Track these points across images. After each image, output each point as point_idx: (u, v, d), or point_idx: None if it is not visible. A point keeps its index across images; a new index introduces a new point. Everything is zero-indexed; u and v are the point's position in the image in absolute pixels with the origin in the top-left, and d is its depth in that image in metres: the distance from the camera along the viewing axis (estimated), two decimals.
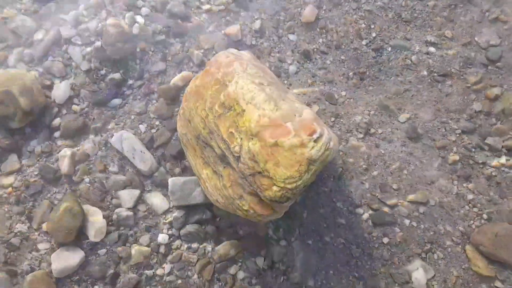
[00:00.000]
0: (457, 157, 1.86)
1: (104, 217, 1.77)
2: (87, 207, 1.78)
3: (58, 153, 1.85)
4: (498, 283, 1.70)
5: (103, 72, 1.96)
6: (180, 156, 1.86)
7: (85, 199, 1.81)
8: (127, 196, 1.82)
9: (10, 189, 1.81)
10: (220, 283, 1.74)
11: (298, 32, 2.05)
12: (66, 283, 1.71)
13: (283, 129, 1.35)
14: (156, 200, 1.82)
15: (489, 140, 1.86)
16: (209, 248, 1.78)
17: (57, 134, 1.89)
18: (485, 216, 1.78)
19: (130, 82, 1.97)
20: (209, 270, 1.75)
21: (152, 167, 1.85)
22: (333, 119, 1.93)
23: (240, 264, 1.76)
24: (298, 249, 1.76)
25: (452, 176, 1.84)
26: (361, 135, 1.90)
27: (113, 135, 1.87)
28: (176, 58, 2.00)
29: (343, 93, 1.97)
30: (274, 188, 1.34)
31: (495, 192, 1.81)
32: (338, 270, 1.76)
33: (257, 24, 2.04)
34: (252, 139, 1.38)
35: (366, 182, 1.84)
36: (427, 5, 2.07)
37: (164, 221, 1.80)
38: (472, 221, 1.78)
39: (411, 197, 1.82)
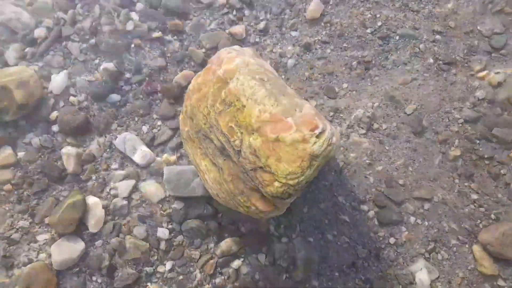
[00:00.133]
0: (458, 152, 1.82)
1: (103, 207, 1.78)
2: (89, 197, 1.80)
3: (60, 149, 1.84)
4: (500, 281, 1.67)
5: (97, 61, 1.96)
6: (177, 146, 1.86)
7: (89, 192, 1.82)
8: (124, 186, 1.82)
9: (9, 186, 1.80)
10: (223, 277, 1.72)
11: (301, 28, 2.02)
12: (67, 275, 1.71)
13: (284, 124, 1.33)
14: (150, 188, 1.82)
15: (497, 132, 1.81)
16: (211, 244, 1.76)
17: (55, 128, 1.88)
18: (493, 216, 1.74)
19: (128, 75, 1.95)
20: (211, 265, 1.73)
21: (150, 160, 1.85)
22: (331, 113, 1.89)
23: (242, 259, 1.75)
24: (299, 246, 1.74)
25: (452, 174, 1.81)
26: (363, 131, 1.87)
27: (116, 137, 1.88)
28: (175, 55, 1.97)
29: (345, 85, 1.93)
30: (276, 184, 1.32)
31: (503, 193, 1.77)
32: (344, 271, 1.73)
33: (262, 25, 2.01)
34: (253, 134, 1.36)
35: (371, 177, 1.81)
36: None
37: (162, 212, 1.78)
38: (479, 220, 1.75)
39: (416, 193, 1.79)
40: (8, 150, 1.83)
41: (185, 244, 1.76)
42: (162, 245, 1.75)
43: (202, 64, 1.96)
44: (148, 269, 1.73)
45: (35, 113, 1.88)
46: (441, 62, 1.93)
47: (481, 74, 1.91)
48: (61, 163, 1.84)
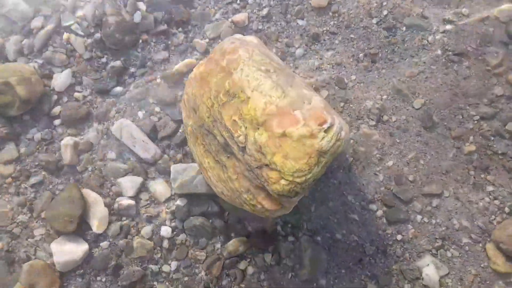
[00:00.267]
0: (473, 147, 1.75)
1: (105, 205, 1.73)
2: (87, 192, 1.75)
3: (60, 141, 1.81)
4: None
5: (104, 60, 1.92)
6: (182, 143, 1.82)
7: (85, 185, 1.78)
8: (128, 183, 1.77)
9: (10, 179, 1.79)
10: (229, 278, 1.69)
11: (308, 17, 1.95)
12: (71, 276, 1.68)
13: (292, 118, 1.28)
14: (159, 187, 1.77)
15: (510, 126, 1.74)
16: (218, 245, 1.72)
17: (57, 122, 1.85)
18: (507, 209, 1.68)
19: (132, 70, 1.91)
20: (218, 267, 1.69)
21: (156, 156, 1.80)
22: (342, 104, 1.83)
23: (249, 260, 1.71)
24: (306, 245, 1.69)
25: (468, 166, 1.74)
26: (373, 122, 1.80)
27: (113, 123, 1.83)
28: (179, 48, 1.93)
29: (353, 77, 1.86)
30: (282, 181, 1.27)
31: None
32: (350, 268, 1.69)
33: (264, 11, 1.95)
34: (258, 129, 1.31)
35: (380, 174, 1.76)
36: None
37: (167, 210, 1.75)
38: (493, 216, 1.68)
39: (426, 189, 1.73)
40: (11, 146, 1.82)
41: (189, 244, 1.72)
42: (165, 243, 1.72)
43: (205, 53, 1.91)
44: (154, 267, 1.70)
45: (38, 108, 1.85)
46: (450, 53, 1.84)
47: (498, 70, 1.80)
48: (59, 154, 1.81)
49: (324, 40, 1.91)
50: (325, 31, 1.92)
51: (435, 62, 1.84)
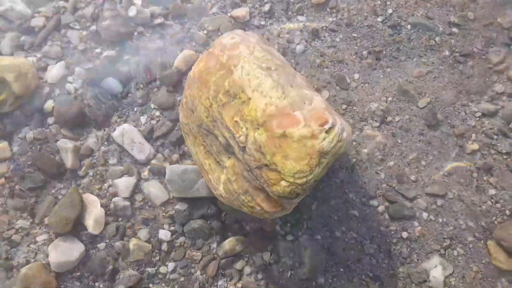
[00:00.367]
0: (476, 146, 1.73)
1: (102, 205, 1.70)
2: (86, 196, 1.72)
3: (56, 142, 1.77)
4: None
5: (98, 50, 1.89)
6: (179, 142, 1.78)
7: (86, 189, 1.75)
8: (124, 184, 1.73)
9: (3, 179, 1.75)
10: (225, 279, 1.66)
11: (308, 13, 1.92)
12: (68, 279, 1.65)
13: (292, 118, 1.24)
14: (154, 190, 1.73)
15: None
16: (214, 245, 1.69)
17: (50, 119, 1.82)
18: (507, 212, 1.66)
19: (126, 57, 1.88)
20: (213, 266, 1.66)
21: (150, 155, 1.76)
22: (344, 106, 1.80)
23: (246, 259, 1.68)
24: (306, 244, 1.66)
25: (470, 168, 1.72)
26: (377, 124, 1.77)
27: (115, 129, 1.79)
28: (176, 37, 1.89)
29: (356, 76, 1.83)
30: (283, 183, 1.24)
31: None
32: (349, 267, 1.66)
33: (266, 7, 1.91)
34: (259, 129, 1.27)
35: (382, 173, 1.73)
36: None
37: (164, 214, 1.71)
38: (494, 217, 1.67)
39: (429, 189, 1.70)
40: (3, 144, 1.78)
41: (187, 245, 1.69)
42: (164, 246, 1.69)
43: (204, 45, 1.88)
44: (150, 270, 1.67)
45: (29, 103, 1.81)
46: (457, 54, 1.84)
47: (499, 67, 1.82)
48: (59, 157, 1.77)
49: (324, 37, 1.88)
50: (324, 28, 1.89)
51: (443, 63, 1.83)
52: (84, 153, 1.77)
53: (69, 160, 1.74)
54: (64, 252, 1.63)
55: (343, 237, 1.67)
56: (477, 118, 1.76)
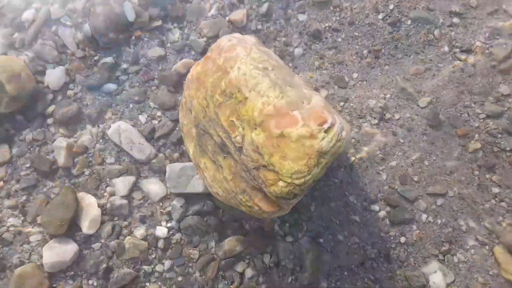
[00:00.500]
0: (478, 145, 1.69)
1: (99, 205, 1.69)
2: (82, 196, 1.71)
3: (53, 142, 1.76)
4: None
5: (96, 58, 1.86)
6: (179, 142, 1.77)
7: (82, 188, 1.73)
8: (122, 183, 1.72)
9: (1, 183, 1.74)
10: (226, 281, 1.63)
11: (310, 11, 1.88)
12: (61, 278, 1.64)
13: (290, 118, 1.22)
14: (153, 186, 1.72)
15: None
16: (212, 243, 1.67)
17: (50, 120, 1.80)
18: None
19: (125, 66, 1.85)
20: (213, 267, 1.64)
21: (151, 155, 1.75)
22: (342, 103, 1.77)
23: (247, 261, 1.65)
24: (308, 247, 1.64)
25: (472, 165, 1.68)
26: (376, 121, 1.74)
27: (110, 126, 1.77)
28: (175, 45, 1.86)
29: (355, 75, 1.80)
30: (280, 183, 1.22)
31: None
32: (353, 271, 1.63)
33: (264, 7, 1.88)
34: (256, 129, 1.26)
35: (383, 173, 1.70)
36: None
37: (162, 210, 1.70)
38: (501, 217, 1.61)
39: (430, 189, 1.67)
40: (4, 148, 1.77)
41: (183, 242, 1.68)
42: (160, 244, 1.67)
43: (203, 53, 1.85)
44: (147, 267, 1.65)
45: (32, 108, 1.80)
46: (457, 50, 1.78)
47: (505, 64, 1.72)
48: (53, 156, 1.76)
49: (326, 38, 1.85)
50: (327, 28, 1.86)
51: (442, 60, 1.78)
52: (78, 151, 1.76)
53: (61, 158, 1.73)
54: (58, 253, 1.62)
55: (346, 241, 1.65)
56: (481, 120, 1.71)
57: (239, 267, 1.64)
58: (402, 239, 1.64)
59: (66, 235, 1.66)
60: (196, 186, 1.66)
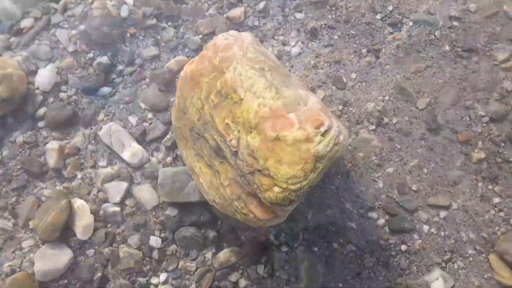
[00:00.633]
0: (482, 155, 1.65)
1: (91, 212, 1.65)
2: (74, 200, 1.67)
3: (45, 145, 1.73)
4: None
5: (90, 55, 1.83)
6: (173, 146, 1.73)
7: (75, 194, 1.69)
8: (114, 189, 1.68)
9: None
10: None
11: (306, 10, 1.86)
12: (53, 287, 1.59)
13: (286, 120, 1.19)
14: (145, 194, 1.68)
15: None
16: (209, 256, 1.63)
17: (41, 123, 1.77)
18: None
19: (120, 68, 1.83)
20: (208, 278, 1.60)
21: (143, 160, 1.71)
22: (341, 107, 1.74)
23: (241, 271, 1.61)
24: (303, 257, 1.59)
25: (476, 177, 1.64)
26: (373, 126, 1.71)
27: (101, 127, 1.74)
28: (170, 44, 1.84)
29: (353, 75, 1.77)
30: (276, 189, 1.18)
31: None
32: (348, 282, 1.58)
33: (261, 5, 1.86)
34: (251, 132, 1.22)
35: (380, 180, 1.66)
36: None
37: (155, 219, 1.65)
38: (497, 227, 1.60)
39: (431, 200, 1.63)
40: None
41: (180, 255, 1.63)
42: (155, 254, 1.62)
43: (197, 50, 1.82)
44: (142, 279, 1.61)
45: (22, 110, 1.77)
46: (459, 49, 1.76)
47: (506, 64, 1.72)
48: (44, 158, 1.73)
49: (323, 35, 1.83)
50: (323, 25, 1.84)
51: (444, 57, 1.76)
52: (69, 152, 1.72)
53: (52, 159, 1.70)
54: (51, 260, 1.58)
55: (342, 249, 1.61)
56: (484, 124, 1.68)
57: (233, 277, 1.60)
58: (403, 247, 1.60)
59: (59, 240, 1.62)
60: (191, 194, 1.62)
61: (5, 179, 1.70)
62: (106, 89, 1.80)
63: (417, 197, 1.64)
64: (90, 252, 1.62)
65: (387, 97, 1.73)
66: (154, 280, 1.61)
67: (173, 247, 1.63)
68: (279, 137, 1.17)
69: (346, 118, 1.73)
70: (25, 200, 1.68)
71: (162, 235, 1.64)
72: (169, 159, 1.71)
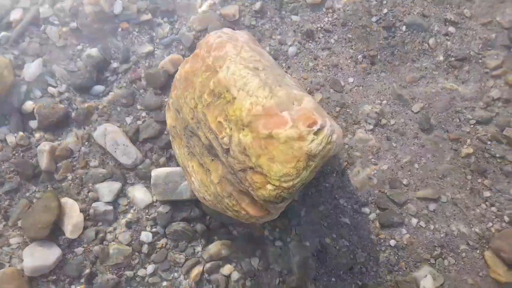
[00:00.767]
0: (471, 150, 1.67)
1: (81, 211, 1.64)
2: (65, 200, 1.65)
3: (37, 147, 1.70)
4: None
5: (79, 47, 1.80)
6: (167, 146, 1.72)
7: (66, 194, 1.68)
8: (106, 189, 1.67)
9: None
10: (211, 285, 1.59)
11: (302, 13, 1.86)
12: (41, 283, 1.58)
13: (279, 119, 1.18)
14: (139, 193, 1.67)
15: (508, 132, 1.67)
16: (198, 248, 1.63)
17: (33, 124, 1.73)
18: (506, 218, 1.60)
19: (115, 65, 1.80)
20: (197, 271, 1.60)
21: (137, 160, 1.69)
22: (338, 108, 1.74)
23: (234, 264, 1.61)
24: (295, 251, 1.60)
25: (465, 170, 1.67)
26: (371, 127, 1.72)
27: (96, 128, 1.71)
28: (164, 40, 1.82)
29: (350, 80, 1.77)
30: (268, 186, 1.18)
31: None
32: (340, 276, 1.60)
33: (257, 5, 1.84)
34: (243, 130, 1.22)
35: (374, 178, 1.67)
36: None
37: (147, 216, 1.65)
38: (490, 223, 1.61)
39: (420, 193, 1.65)
40: None
41: (169, 246, 1.63)
42: (145, 248, 1.62)
43: (192, 48, 1.80)
44: (129, 273, 1.61)
45: (6, 102, 1.73)
46: (453, 59, 1.79)
47: (496, 72, 1.76)
48: (36, 160, 1.70)
49: (319, 38, 1.83)
50: (319, 28, 1.84)
51: (437, 68, 1.78)
52: (62, 154, 1.70)
53: (43, 161, 1.67)
54: (40, 257, 1.57)
55: (334, 244, 1.62)
56: (472, 125, 1.71)
57: (226, 270, 1.61)
58: (392, 242, 1.61)
59: (48, 239, 1.61)
60: (183, 193, 1.62)
61: None
62: (99, 88, 1.77)
63: (406, 190, 1.66)
64: (79, 250, 1.61)
65: (384, 101, 1.75)
66: (140, 272, 1.60)
67: (163, 240, 1.63)
68: (272, 135, 1.17)
69: (343, 118, 1.74)
70: (17, 203, 1.66)
71: (153, 230, 1.64)
72: (162, 159, 1.70)
